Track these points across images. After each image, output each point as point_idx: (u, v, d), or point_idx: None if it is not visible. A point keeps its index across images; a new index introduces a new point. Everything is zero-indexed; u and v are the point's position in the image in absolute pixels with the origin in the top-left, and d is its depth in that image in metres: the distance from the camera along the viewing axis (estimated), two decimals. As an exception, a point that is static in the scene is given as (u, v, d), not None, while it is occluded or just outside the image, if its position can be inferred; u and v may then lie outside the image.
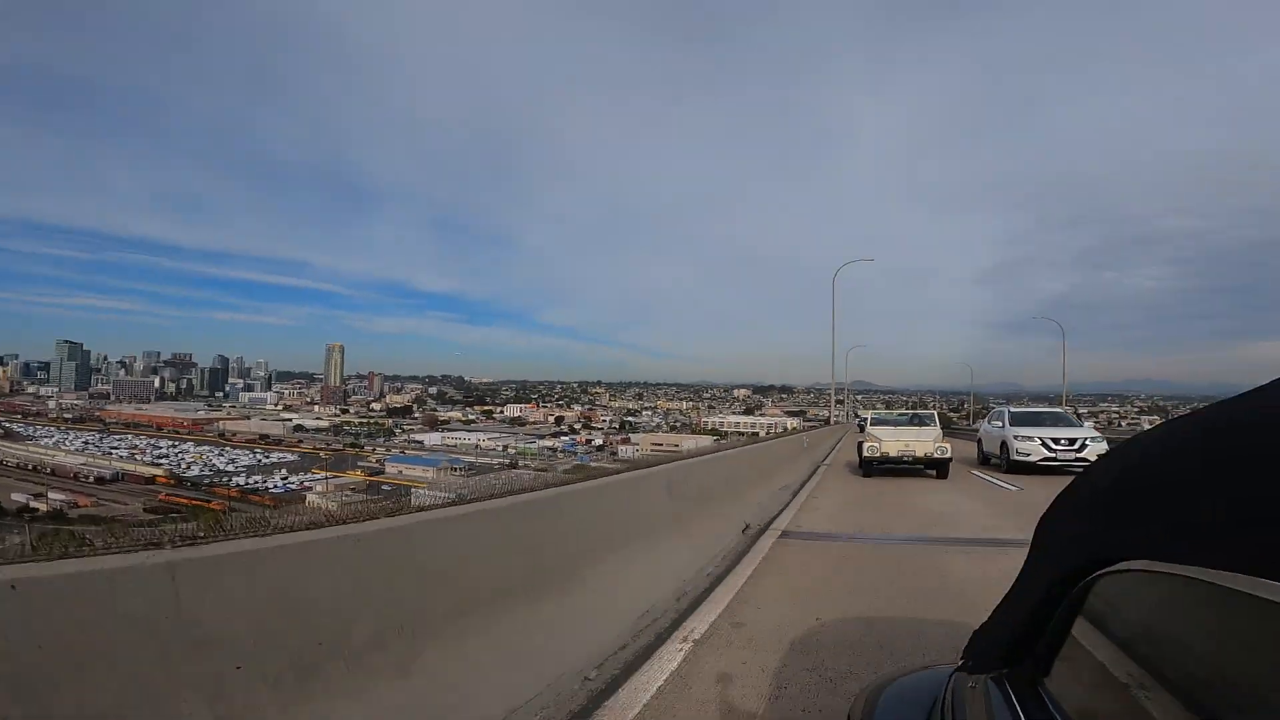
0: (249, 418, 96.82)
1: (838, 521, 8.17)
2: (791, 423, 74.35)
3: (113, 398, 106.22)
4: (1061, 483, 1.02)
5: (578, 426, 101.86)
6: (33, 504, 44.93)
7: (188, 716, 1.73)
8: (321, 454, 72.52)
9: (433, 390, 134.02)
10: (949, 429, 18.04)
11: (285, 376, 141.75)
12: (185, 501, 43.74)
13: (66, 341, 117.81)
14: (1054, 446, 13.36)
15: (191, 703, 1.75)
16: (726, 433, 79.06)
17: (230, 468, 61.01)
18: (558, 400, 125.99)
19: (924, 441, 13.25)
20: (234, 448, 71.91)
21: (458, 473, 59.80)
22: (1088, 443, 13.33)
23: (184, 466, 60.32)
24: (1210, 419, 0.72)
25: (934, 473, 13.40)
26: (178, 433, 79.68)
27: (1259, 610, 0.51)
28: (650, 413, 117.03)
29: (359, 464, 67.89)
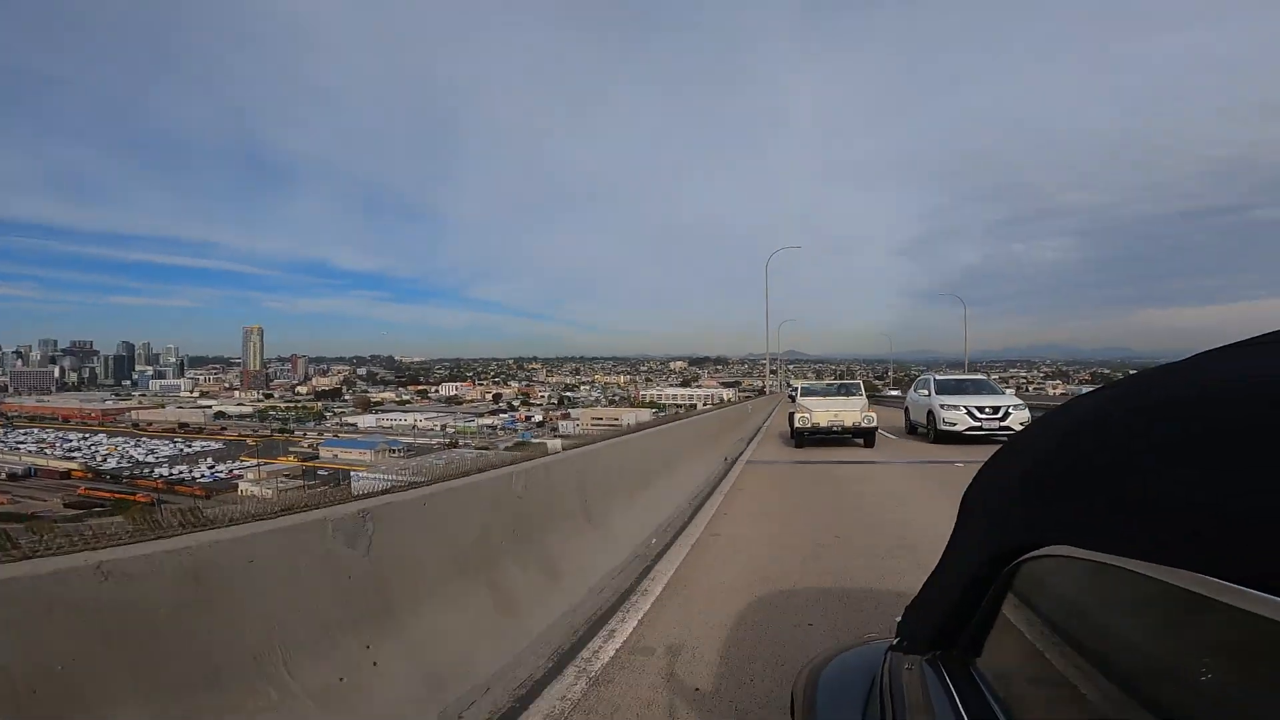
0: (164, 406, 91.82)
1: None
2: (727, 394, 76.85)
3: (10, 389, 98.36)
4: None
5: (516, 404, 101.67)
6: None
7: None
8: (249, 441, 69.83)
9: (361, 371, 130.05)
10: (873, 397, 18.38)
11: (199, 362, 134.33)
12: (107, 495, 41.75)
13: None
14: (979, 416, 13.27)
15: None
16: (665, 405, 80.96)
17: (150, 459, 58.02)
18: (493, 377, 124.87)
19: (851, 411, 13.43)
20: (151, 438, 68.25)
21: (396, 454, 59.05)
22: (1011, 411, 13.34)
23: (100, 459, 57.00)
24: (1135, 396, 0.71)
25: (861, 441, 13.54)
26: (87, 424, 74.76)
27: (1184, 597, 0.51)
28: (588, 387, 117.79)
29: (290, 449, 65.91)
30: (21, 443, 62.65)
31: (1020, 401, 14.16)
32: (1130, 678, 0.63)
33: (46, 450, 59.85)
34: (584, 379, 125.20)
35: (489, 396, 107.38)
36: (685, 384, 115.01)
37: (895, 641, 1.24)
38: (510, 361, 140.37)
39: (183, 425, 77.03)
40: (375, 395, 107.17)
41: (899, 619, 1.29)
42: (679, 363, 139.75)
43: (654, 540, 5.40)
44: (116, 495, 41.35)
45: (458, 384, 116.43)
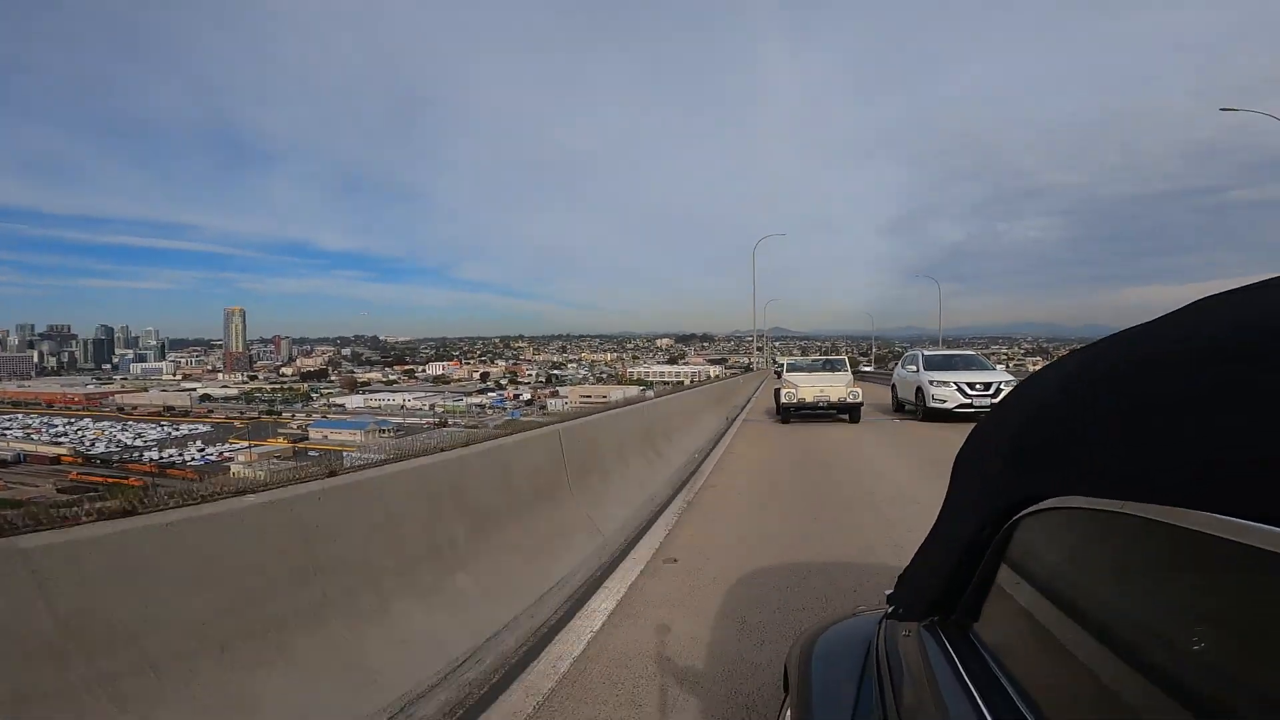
0: (147, 389, 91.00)
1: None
2: (714, 370, 77.79)
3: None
4: None
5: (504, 382, 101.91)
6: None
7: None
8: (236, 423, 69.69)
9: (346, 352, 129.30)
10: (856, 373, 17.99)
11: (179, 345, 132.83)
12: (99, 480, 41.80)
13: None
14: (970, 392, 12.63)
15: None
16: (652, 382, 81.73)
17: (138, 443, 57.89)
18: (480, 356, 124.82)
19: (837, 387, 13.35)
20: (137, 422, 67.93)
21: (386, 434, 59.36)
22: (1003, 387, 12.65)
23: (88, 444, 56.78)
24: (1137, 348, 0.70)
25: (846, 417, 13.45)
26: (71, 409, 74.10)
27: (1184, 543, 0.51)
28: (575, 365, 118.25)
29: (279, 431, 65.91)
30: (7, 429, 62.14)
31: (1012, 377, 13.46)
32: (1132, 634, 0.63)
33: (33, 436, 59.46)
34: (571, 357, 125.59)
35: (476, 375, 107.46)
36: (672, 361, 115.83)
37: (889, 610, 1.24)
38: (496, 340, 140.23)
39: (168, 409, 76.60)
40: (362, 375, 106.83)
41: (889, 592, 1.31)
42: (665, 340, 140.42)
43: (704, 445, 9.82)
44: (109, 480, 41.40)
45: (445, 363, 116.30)
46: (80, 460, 51.10)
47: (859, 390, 13.47)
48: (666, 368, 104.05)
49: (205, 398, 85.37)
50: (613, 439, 6.10)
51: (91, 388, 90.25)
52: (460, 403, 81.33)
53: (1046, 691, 0.74)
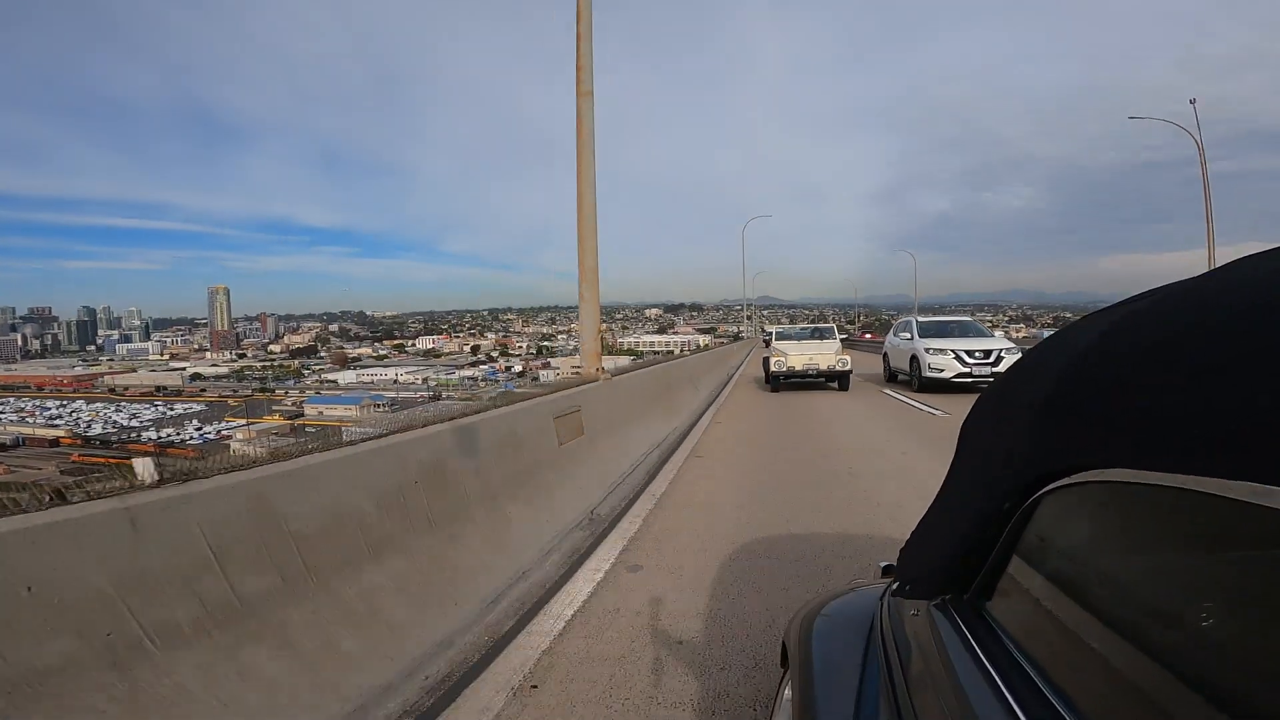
0: (135, 370, 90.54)
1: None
2: (703, 339, 78.70)
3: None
4: None
5: (495, 355, 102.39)
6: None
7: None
8: (230, 402, 69.89)
9: (333, 328, 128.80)
10: (843, 341, 17.89)
11: (163, 324, 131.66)
12: (102, 460, 42.17)
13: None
14: (968, 360, 11.91)
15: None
16: (642, 352, 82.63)
17: (134, 423, 58.10)
18: (469, 329, 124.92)
19: (826, 355, 13.31)
20: (130, 402, 67.94)
21: (381, 409, 60.02)
22: (1004, 355, 12.04)
23: (84, 426, 56.97)
24: (1192, 302, 0.65)
25: (835, 385, 13.43)
26: (61, 391, 73.88)
27: (1228, 515, 0.48)
28: (565, 336, 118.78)
29: (274, 408, 66.26)
30: (0, 413, 62.08)
31: (1012, 344, 12.73)
32: (1158, 614, 0.59)
33: (28, 419, 59.47)
34: (560, 328, 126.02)
35: (467, 349, 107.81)
36: (661, 331, 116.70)
37: (895, 586, 1.20)
38: (485, 313, 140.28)
39: (160, 389, 76.56)
40: (352, 351, 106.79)
41: (884, 564, 1.28)
42: (654, 310, 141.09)
43: (714, 395, 12.96)
44: (111, 460, 41.85)
45: (434, 337, 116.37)
46: (79, 442, 51.32)
47: (848, 358, 13.40)
48: (656, 337, 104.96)
49: (196, 377, 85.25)
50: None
51: (79, 369, 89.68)
52: (453, 376, 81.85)
53: (1069, 672, 0.70)
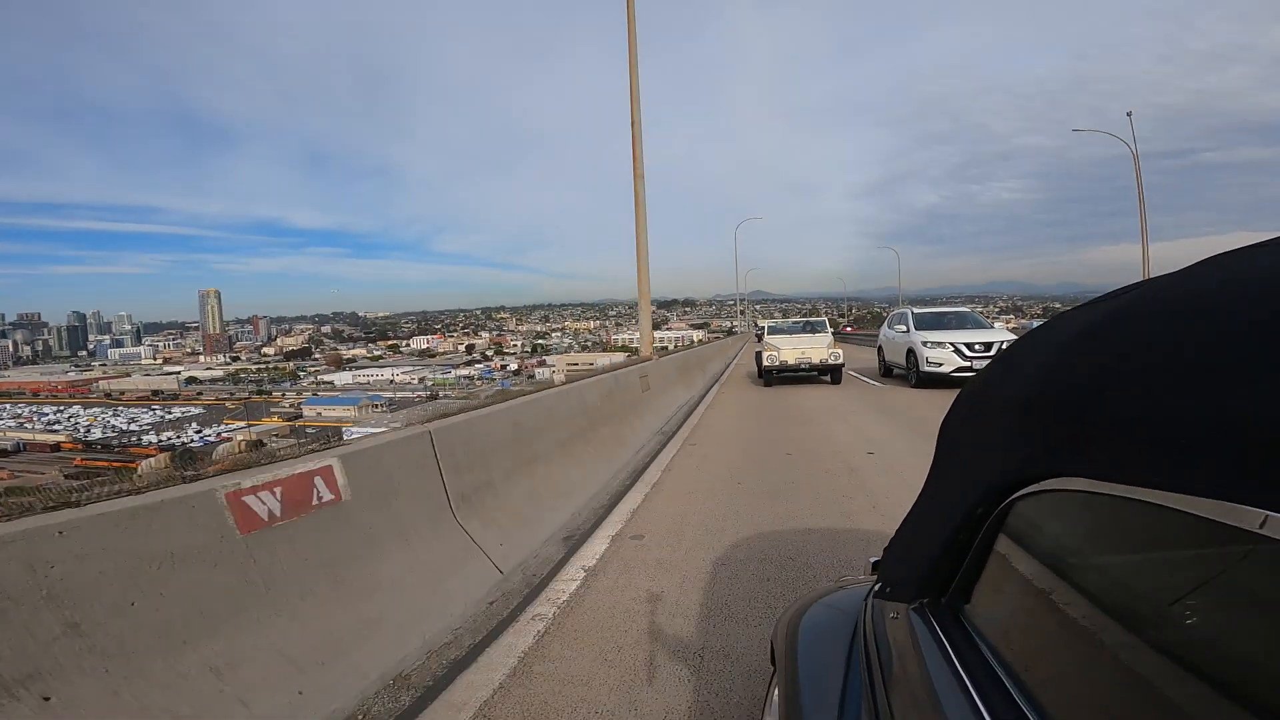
0: (129, 375, 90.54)
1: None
2: (697, 335, 79.64)
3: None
4: None
5: (489, 353, 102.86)
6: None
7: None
8: (227, 404, 70.17)
9: (326, 329, 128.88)
10: (834, 335, 17.65)
11: (154, 328, 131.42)
12: (105, 464, 42.58)
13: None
14: (969, 353, 11.25)
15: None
16: (636, 348, 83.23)
17: (134, 427, 58.43)
18: (462, 329, 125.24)
19: (818, 348, 13.26)
20: (128, 407, 68.11)
21: (380, 409, 60.52)
22: (1004, 347, 11.30)
23: (84, 431, 57.19)
24: (1164, 297, 0.63)
25: (828, 378, 13.36)
26: (57, 397, 73.93)
27: (1198, 530, 0.47)
28: (559, 334, 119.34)
29: (273, 410, 66.65)
30: (-2, 419, 62.25)
31: (1014, 336, 12.04)
32: (1136, 620, 0.58)
33: (26, 425, 59.62)
34: (554, 326, 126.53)
35: (461, 348, 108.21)
36: (655, 327, 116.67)
37: (876, 587, 1.18)
38: (478, 312, 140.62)
39: (156, 393, 76.71)
40: (347, 352, 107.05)
41: (873, 559, 1.28)
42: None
43: (718, 373, 16.68)
44: (115, 464, 42.25)
45: (428, 337, 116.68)
46: (80, 446, 51.61)
47: (840, 351, 13.34)
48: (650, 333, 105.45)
49: (192, 380, 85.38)
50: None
51: (72, 375, 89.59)
52: (449, 375, 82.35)
53: (1044, 681, 0.69)
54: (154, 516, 1.91)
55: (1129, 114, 23.28)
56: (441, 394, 67.51)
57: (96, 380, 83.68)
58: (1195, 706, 0.50)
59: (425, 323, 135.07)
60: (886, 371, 14.39)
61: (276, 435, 54.76)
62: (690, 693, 2.22)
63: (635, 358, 9.98)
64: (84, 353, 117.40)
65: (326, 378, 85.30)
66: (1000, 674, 0.73)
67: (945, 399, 1.62)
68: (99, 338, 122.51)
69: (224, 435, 53.43)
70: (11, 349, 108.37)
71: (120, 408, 67.47)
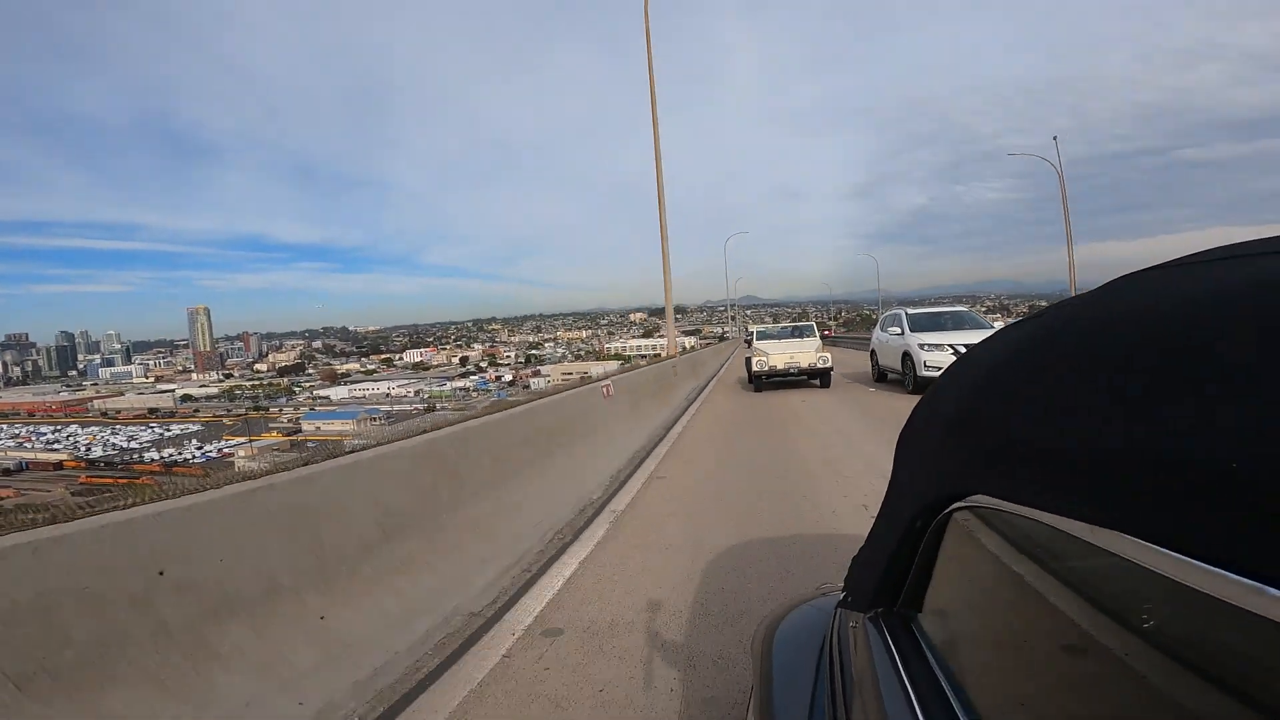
0: (123, 394, 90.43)
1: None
2: (689, 341, 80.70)
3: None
4: None
5: (483, 365, 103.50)
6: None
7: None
8: (225, 421, 70.55)
9: (317, 345, 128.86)
10: (824, 339, 17.79)
11: (142, 347, 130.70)
12: (110, 481, 43.10)
13: None
14: None
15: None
16: (630, 356, 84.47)
17: (134, 445, 58.76)
18: (454, 341, 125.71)
19: (807, 353, 13.35)
20: (125, 425, 68.37)
21: (378, 422, 61.17)
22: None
23: (85, 449, 57.48)
24: (1065, 321, 0.64)
25: (817, 382, 13.44)
26: (53, 417, 73.97)
27: (1116, 564, 0.47)
28: (552, 344, 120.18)
29: (271, 426, 67.10)
30: (-5, 440, 62.36)
31: None
32: (1073, 626, 0.59)
33: (25, 444, 59.81)
34: (546, 336, 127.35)
35: (455, 360, 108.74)
36: (647, 335, 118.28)
37: (842, 597, 1.20)
38: (469, 324, 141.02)
39: (153, 411, 76.87)
40: (340, 367, 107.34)
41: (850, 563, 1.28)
42: (639, 314, 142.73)
43: (714, 372, 20.10)
44: (119, 481, 42.76)
45: (421, 350, 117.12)
46: (84, 464, 51.95)
47: (828, 355, 13.48)
48: (642, 341, 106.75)
49: (187, 398, 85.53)
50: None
51: (65, 395, 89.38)
52: (444, 387, 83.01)
53: (986, 690, 0.71)
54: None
55: (1055, 138, 26.82)
56: (439, 406, 68.26)
57: (91, 400, 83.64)
58: (1134, 714, 0.52)
59: (417, 336, 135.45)
60: (880, 376, 13.82)
61: (277, 450, 55.36)
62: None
63: (659, 358, 15.21)
64: (74, 372, 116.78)
65: (322, 393, 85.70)
66: (944, 683, 0.74)
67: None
68: (88, 357, 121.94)
69: (225, 451, 53.98)
70: (2, 370, 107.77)
71: (118, 426, 67.72)
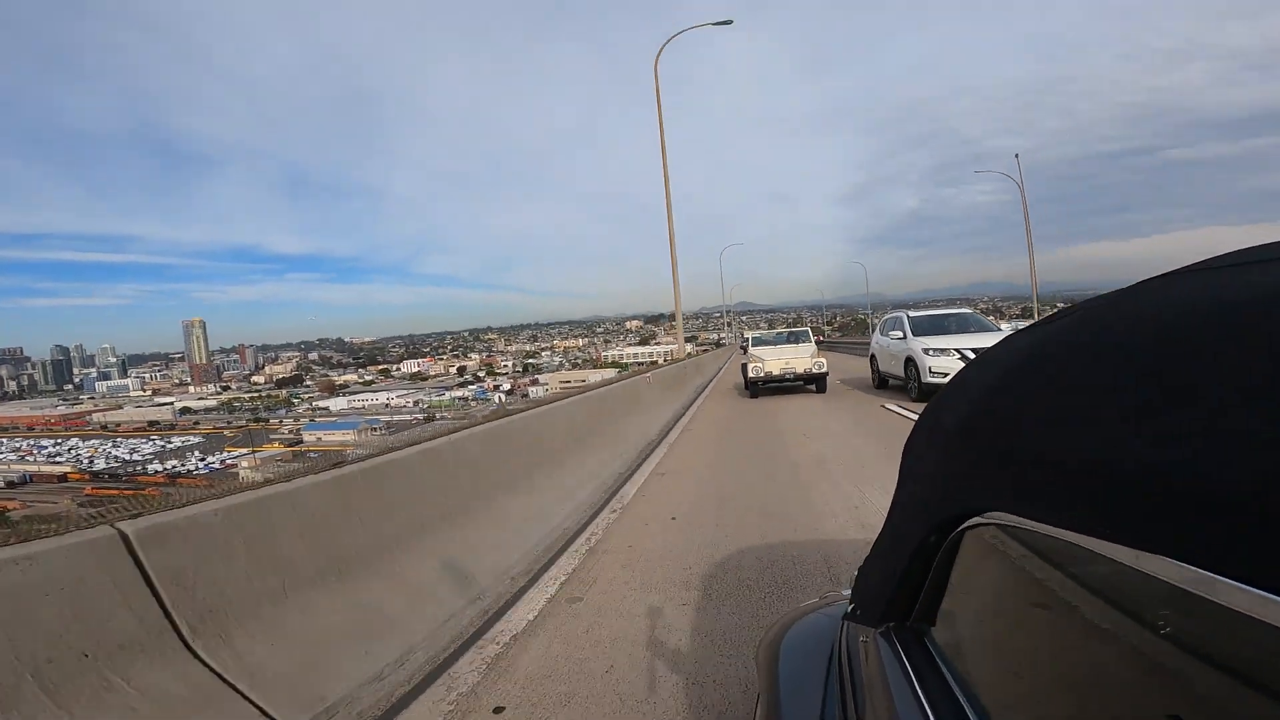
0: (121, 407, 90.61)
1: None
2: (687, 348, 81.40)
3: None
4: None
5: (481, 374, 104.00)
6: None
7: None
8: (226, 433, 70.89)
9: (313, 356, 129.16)
10: (820, 344, 17.59)
11: (137, 360, 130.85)
12: (116, 493, 43.32)
13: None
14: None
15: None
16: (627, 364, 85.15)
17: (136, 457, 59.07)
18: (451, 351, 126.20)
19: (802, 358, 13.33)
20: (126, 438, 68.58)
21: (379, 432, 61.63)
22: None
23: (88, 462, 57.75)
24: (1081, 329, 0.61)
25: (813, 387, 13.48)
26: (52, 430, 74.11)
27: (1140, 582, 0.45)
28: (549, 353, 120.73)
29: (272, 437, 67.49)
30: (-1, 453, 62.53)
31: None
32: (1092, 643, 0.58)
33: (27, 458, 60.03)
34: (543, 345, 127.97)
35: (453, 370, 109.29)
36: (644, 342, 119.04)
37: (849, 610, 1.16)
38: (465, 334, 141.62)
39: (153, 423, 77.09)
40: (339, 378, 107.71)
41: (856, 573, 1.28)
42: (635, 322, 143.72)
43: (714, 374, 22.32)
44: (125, 492, 42.96)
45: (419, 361, 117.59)
46: (88, 476, 52.24)
47: (823, 360, 13.39)
48: (639, 348, 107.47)
49: (186, 411, 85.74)
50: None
51: (62, 409, 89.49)
52: (443, 397, 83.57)
53: (1005, 706, 0.69)
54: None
55: (1016, 156, 28.44)
56: (438, 415, 68.75)
57: (89, 413, 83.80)
58: None
59: (413, 346, 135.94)
60: (881, 383, 13.25)
61: (280, 460, 55.75)
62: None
63: (674, 359, 18.08)
64: (70, 386, 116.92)
65: (321, 404, 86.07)
66: (960, 698, 0.72)
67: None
68: (84, 371, 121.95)
69: (227, 462, 54.34)
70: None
71: (119, 439, 67.93)
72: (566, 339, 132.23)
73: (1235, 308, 0.44)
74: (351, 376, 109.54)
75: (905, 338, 11.69)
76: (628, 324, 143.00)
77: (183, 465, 54.18)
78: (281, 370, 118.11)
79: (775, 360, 13.37)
